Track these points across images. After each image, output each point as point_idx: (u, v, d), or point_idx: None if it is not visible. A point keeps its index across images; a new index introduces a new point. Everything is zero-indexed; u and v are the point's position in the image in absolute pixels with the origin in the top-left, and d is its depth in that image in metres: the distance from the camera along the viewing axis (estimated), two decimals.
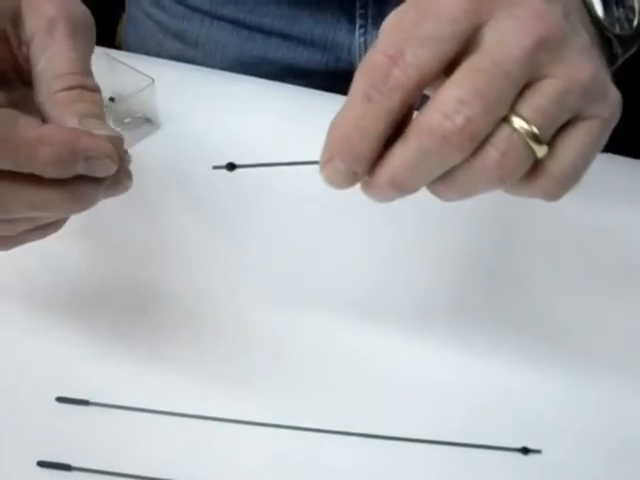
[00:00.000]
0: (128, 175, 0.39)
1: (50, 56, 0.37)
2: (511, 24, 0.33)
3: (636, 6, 0.39)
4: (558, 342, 0.48)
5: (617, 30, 0.39)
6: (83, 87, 0.37)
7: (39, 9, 0.38)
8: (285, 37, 0.70)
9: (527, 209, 0.54)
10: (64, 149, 0.35)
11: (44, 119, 0.37)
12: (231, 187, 0.52)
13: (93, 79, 0.39)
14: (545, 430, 0.44)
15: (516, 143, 0.33)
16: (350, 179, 0.35)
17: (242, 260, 0.52)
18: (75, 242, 0.52)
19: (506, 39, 0.33)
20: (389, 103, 0.33)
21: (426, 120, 0.33)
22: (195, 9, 0.71)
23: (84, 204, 0.37)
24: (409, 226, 0.54)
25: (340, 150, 0.34)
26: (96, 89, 0.38)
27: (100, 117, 0.37)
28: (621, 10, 0.39)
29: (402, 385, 0.46)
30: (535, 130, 0.33)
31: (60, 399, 0.44)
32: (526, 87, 0.33)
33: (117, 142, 0.37)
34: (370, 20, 0.69)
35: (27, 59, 0.38)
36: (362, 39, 0.70)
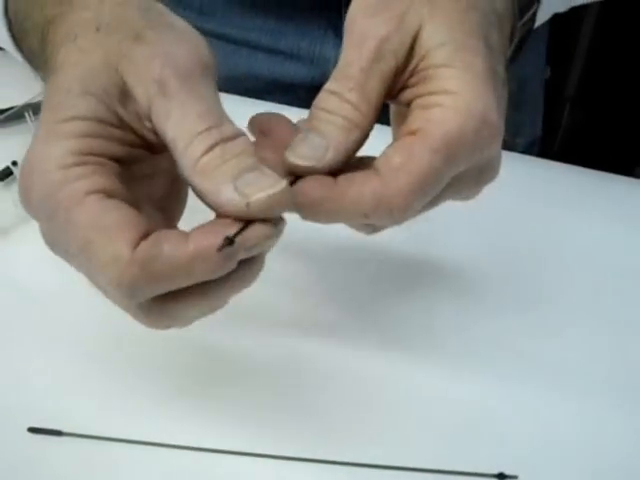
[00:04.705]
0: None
1: (175, 121, 0.33)
2: None
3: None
4: (534, 366, 0.48)
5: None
6: (223, 140, 0.33)
7: (142, 73, 0.34)
8: (271, 51, 0.70)
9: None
10: (219, 258, 0.32)
11: (195, 192, 0.34)
12: None
13: (230, 122, 0.34)
14: (522, 455, 0.44)
15: None
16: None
17: None
18: (49, 271, 0.50)
19: None
20: None
21: None
22: None
23: (247, 284, 0.35)
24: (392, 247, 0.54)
25: None
26: (237, 134, 0.34)
27: (253, 167, 0.33)
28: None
29: (374, 410, 0.46)
30: None
31: (32, 429, 0.43)
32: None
33: (283, 198, 0.33)
34: None
35: (155, 132, 0.35)
36: None
